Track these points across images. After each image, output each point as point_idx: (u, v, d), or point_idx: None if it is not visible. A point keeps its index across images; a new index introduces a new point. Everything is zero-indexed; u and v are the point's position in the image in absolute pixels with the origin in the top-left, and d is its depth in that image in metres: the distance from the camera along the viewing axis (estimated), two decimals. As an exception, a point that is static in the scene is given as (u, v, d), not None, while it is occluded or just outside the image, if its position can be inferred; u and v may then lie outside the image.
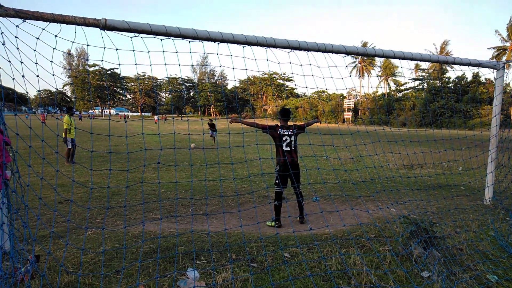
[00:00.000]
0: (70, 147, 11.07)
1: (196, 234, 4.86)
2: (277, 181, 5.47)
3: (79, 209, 6.05)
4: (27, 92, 3.24)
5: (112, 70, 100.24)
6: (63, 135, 11.12)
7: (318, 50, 5.02)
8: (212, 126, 20.15)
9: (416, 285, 3.36)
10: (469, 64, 6.40)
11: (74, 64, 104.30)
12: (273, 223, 5.48)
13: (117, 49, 3.74)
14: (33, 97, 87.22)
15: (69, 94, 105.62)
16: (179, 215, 5.85)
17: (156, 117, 58.30)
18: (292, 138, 5.50)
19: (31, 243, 4.10)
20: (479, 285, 3.42)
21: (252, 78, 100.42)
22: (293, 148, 5.49)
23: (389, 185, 8.61)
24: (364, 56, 6.08)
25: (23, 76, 3.21)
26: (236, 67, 4.75)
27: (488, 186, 6.79)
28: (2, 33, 3.26)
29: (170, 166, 10.47)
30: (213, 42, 4.47)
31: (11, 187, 3.36)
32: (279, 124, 5.64)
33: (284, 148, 5.44)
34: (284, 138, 5.48)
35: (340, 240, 4.63)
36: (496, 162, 6.74)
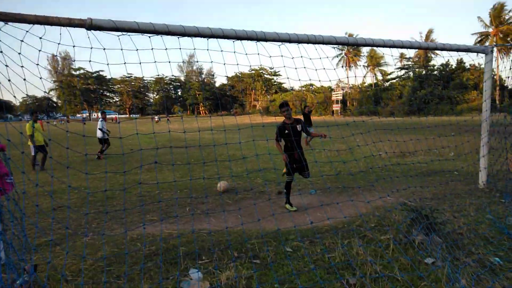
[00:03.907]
0: (33, 154, 10.84)
1: (196, 233, 4.79)
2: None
3: (73, 215, 5.92)
4: (14, 96, 3.12)
5: (97, 73, 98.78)
6: (29, 143, 10.89)
7: (308, 42, 4.98)
8: (307, 117, 13.85)
9: (420, 273, 3.36)
10: (458, 49, 6.43)
11: (59, 68, 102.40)
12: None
13: (104, 49, 3.65)
14: (18, 104, 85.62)
15: (55, 99, 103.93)
16: (177, 216, 5.78)
17: (156, 117, 57.45)
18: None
19: (29, 252, 3.99)
20: (482, 268, 3.44)
21: (240, 75, 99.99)
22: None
23: (383, 174, 8.65)
24: (355, 46, 6.08)
25: (9, 80, 3.09)
26: (226, 62, 4.68)
27: (481, 170, 6.86)
28: (-16, 36, 3.14)
29: (165, 165, 10.35)
30: (202, 38, 4.40)
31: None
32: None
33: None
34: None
35: (341, 232, 4.62)
36: (488, 146, 6.80)
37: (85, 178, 8.94)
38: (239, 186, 7.87)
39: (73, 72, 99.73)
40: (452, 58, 64.34)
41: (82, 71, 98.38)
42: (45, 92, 3.56)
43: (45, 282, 3.26)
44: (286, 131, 5.78)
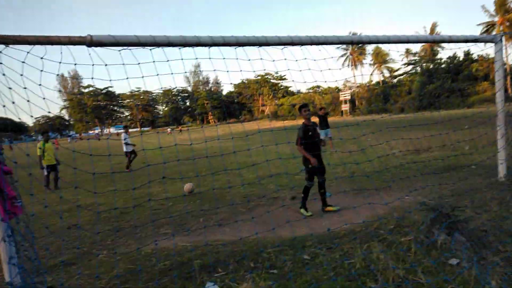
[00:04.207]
0: (46, 173, 10.94)
1: (210, 245, 4.70)
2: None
3: (87, 232, 5.90)
4: (19, 118, 3.11)
5: (106, 89, 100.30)
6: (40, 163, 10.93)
7: (311, 43, 4.88)
8: (323, 119, 13.41)
9: (446, 276, 3.20)
10: (466, 40, 6.26)
11: (68, 87, 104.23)
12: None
13: (106, 65, 3.61)
14: (32, 124, 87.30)
15: (66, 117, 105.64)
16: (190, 228, 5.70)
17: (168, 129, 57.94)
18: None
19: (42, 275, 3.95)
20: (512, 267, 3.25)
21: (246, 82, 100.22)
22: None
23: (399, 173, 8.45)
24: (359, 44, 5.99)
25: (13, 103, 3.08)
26: (230, 69, 4.62)
27: (501, 163, 6.62)
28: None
29: (175, 179, 10.31)
30: (203, 47, 4.34)
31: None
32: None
33: None
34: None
35: (359, 236, 4.47)
36: (506, 137, 6.57)
37: (100, 195, 8.94)
38: (252, 194, 7.77)
39: (83, 90, 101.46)
40: (459, 50, 63.30)
41: (91, 88, 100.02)
42: (49, 112, 3.52)
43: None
44: (310, 133, 5.73)
